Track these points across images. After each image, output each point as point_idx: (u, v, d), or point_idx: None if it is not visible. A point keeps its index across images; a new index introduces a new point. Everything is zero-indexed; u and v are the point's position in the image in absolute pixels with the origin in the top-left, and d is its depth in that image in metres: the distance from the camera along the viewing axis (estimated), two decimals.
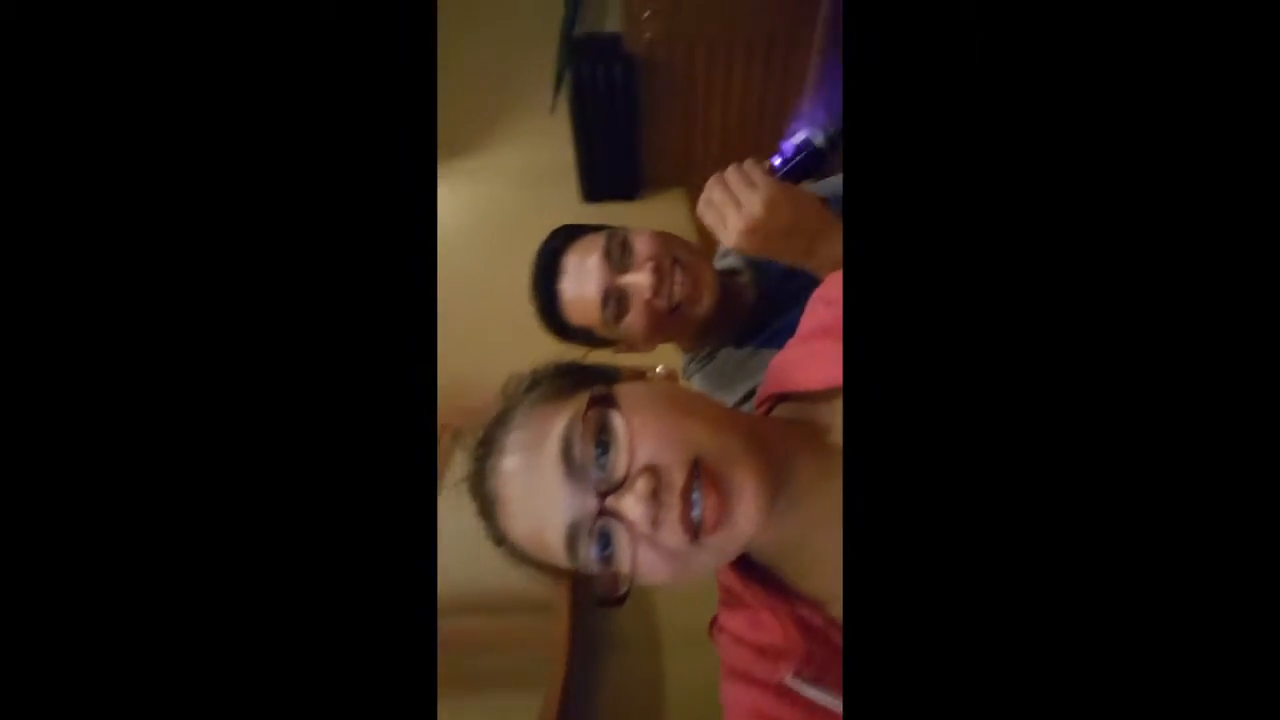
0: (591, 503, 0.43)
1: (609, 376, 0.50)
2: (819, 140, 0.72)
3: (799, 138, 0.73)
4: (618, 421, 0.43)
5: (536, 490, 0.44)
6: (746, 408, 0.82)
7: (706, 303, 0.81)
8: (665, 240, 0.80)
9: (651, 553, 0.42)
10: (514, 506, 0.46)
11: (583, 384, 0.47)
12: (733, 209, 0.69)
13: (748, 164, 0.70)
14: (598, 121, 1.82)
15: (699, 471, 0.41)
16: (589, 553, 0.43)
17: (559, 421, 0.45)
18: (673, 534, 0.41)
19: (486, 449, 0.48)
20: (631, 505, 0.41)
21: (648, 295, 0.78)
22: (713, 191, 0.70)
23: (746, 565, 0.50)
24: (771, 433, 0.48)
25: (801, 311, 0.60)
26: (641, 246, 0.79)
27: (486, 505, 0.48)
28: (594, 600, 0.44)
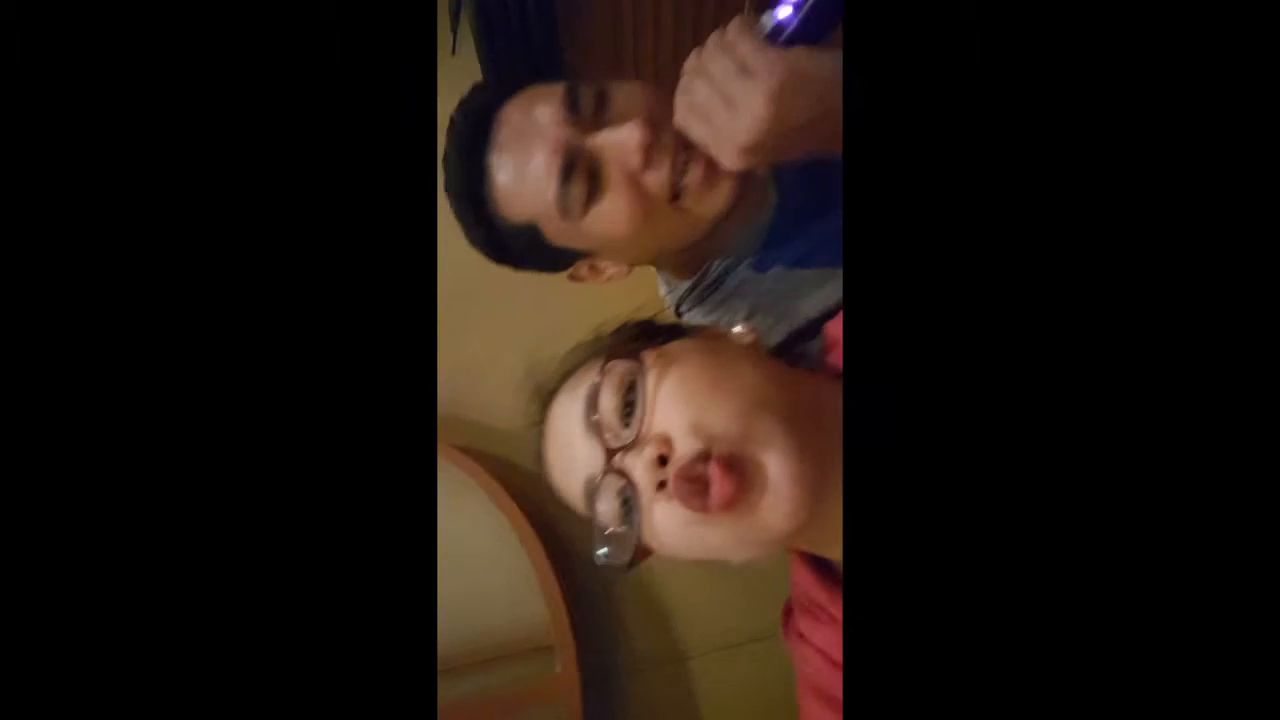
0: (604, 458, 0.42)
1: (675, 334, 0.48)
2: None
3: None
4: (644, 384, 0.42)
5: (567, 440, 0.45)
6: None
7: (721, 195, 0.53)
8: (661, 99, 0.51)
9: (663, 519, 0.42)
10: (551, 454, 0.48)
11: (646, 342, 0.46)
12: (724, 113, 0.45)
13: (733, 30, 0.45)
14: (508, 48, 1.49)
15: (711, 456, 0.39)
16: (603, 507, 0.43)
17: (593, 376, 0.44)
18: (679, 506, 0.40)
19: (544, 401, 0.49)
20: (637, 467, 0.41)
21: (636, 163, 0.50)
22: (693, 89, 0.47)
23: (826, 570, 0.49)
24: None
25: (836, 219, 0.49)
26: (625, 97, 0.52)
27: (540, 453, 0.49)
28: (601, 560, 0.44)
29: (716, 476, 0.38)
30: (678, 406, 0.41)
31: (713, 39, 0.46)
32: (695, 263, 0.61)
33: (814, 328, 0.55)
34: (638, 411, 0.42)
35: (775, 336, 0.57)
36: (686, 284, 0.63)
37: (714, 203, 0.53)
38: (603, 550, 0.44)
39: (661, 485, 0.40)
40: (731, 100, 0.45)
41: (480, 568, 1.17)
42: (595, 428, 0.43)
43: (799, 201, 0.59)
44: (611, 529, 0.43)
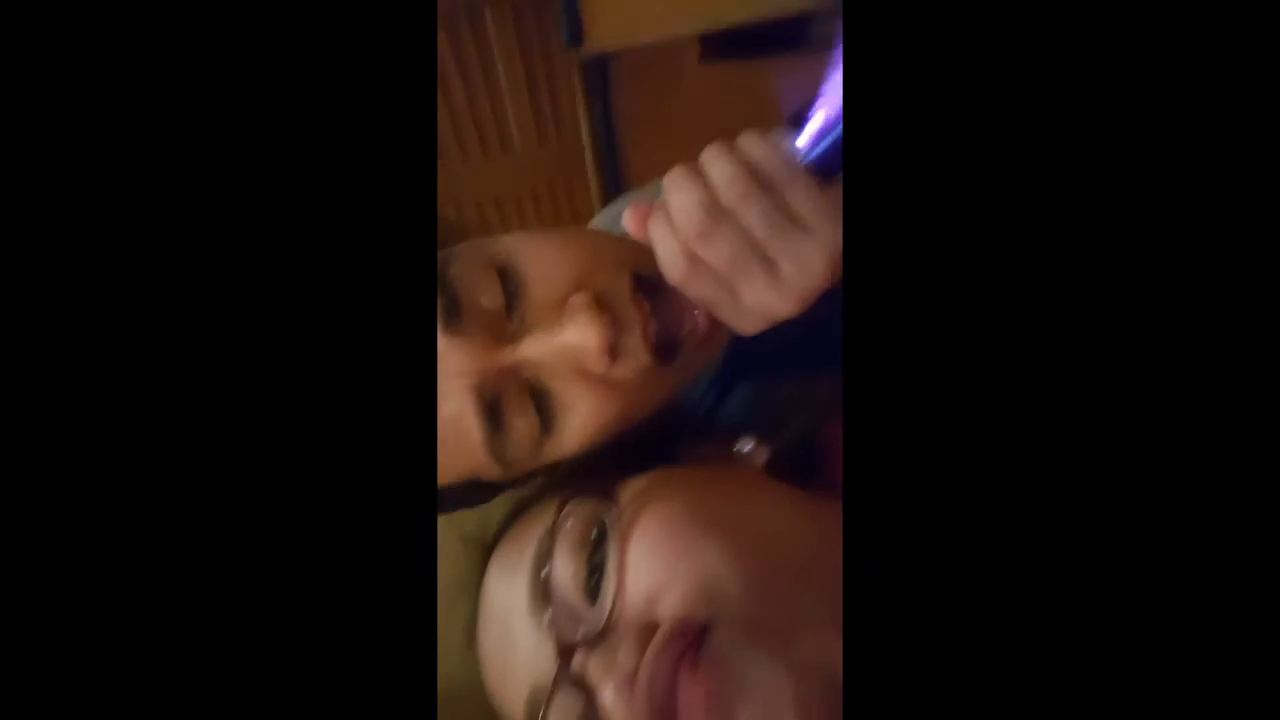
0: (552, 659, 0.28)
1: (660, 455, 0.36)
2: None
3: (828, 111, 0.30)
4: (617, 534, 0.29)
5: (503, 627, 0.32)
6: None
7: (720, 340, 0.40)
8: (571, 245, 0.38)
9: None
10: (485, 644, 0.33)
11: (620, 469, 0.34)
12: (762, 278, 0.31)
13: (763, 153, 0.31)
14: None
15: (706, 641, 0.26)
16: None
17: (544, 524, 0.32)
18: None
19: (478, 557, 0.36)
20: (608, 677, 0.27)
21: (601, 368, 0.35)
22: (714, 242, 0.31)
23: None
24: None
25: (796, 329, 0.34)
26: (536, 263, 0.37)
27: (473, 637, 0.35)
28: None
29: (698, 687, 0.26)
30: (666, 566, 0.28)
31: (727, 160, 0.31)
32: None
33: (803, 439, 0.42)
34: (607, 580, 0.29)
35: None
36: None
37: (711, 352, 0.40)
38: None
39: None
40: (773, 263, 0.31)
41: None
42: (545, 610, 0.30)
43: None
44: None
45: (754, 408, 0.45)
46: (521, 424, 0.35)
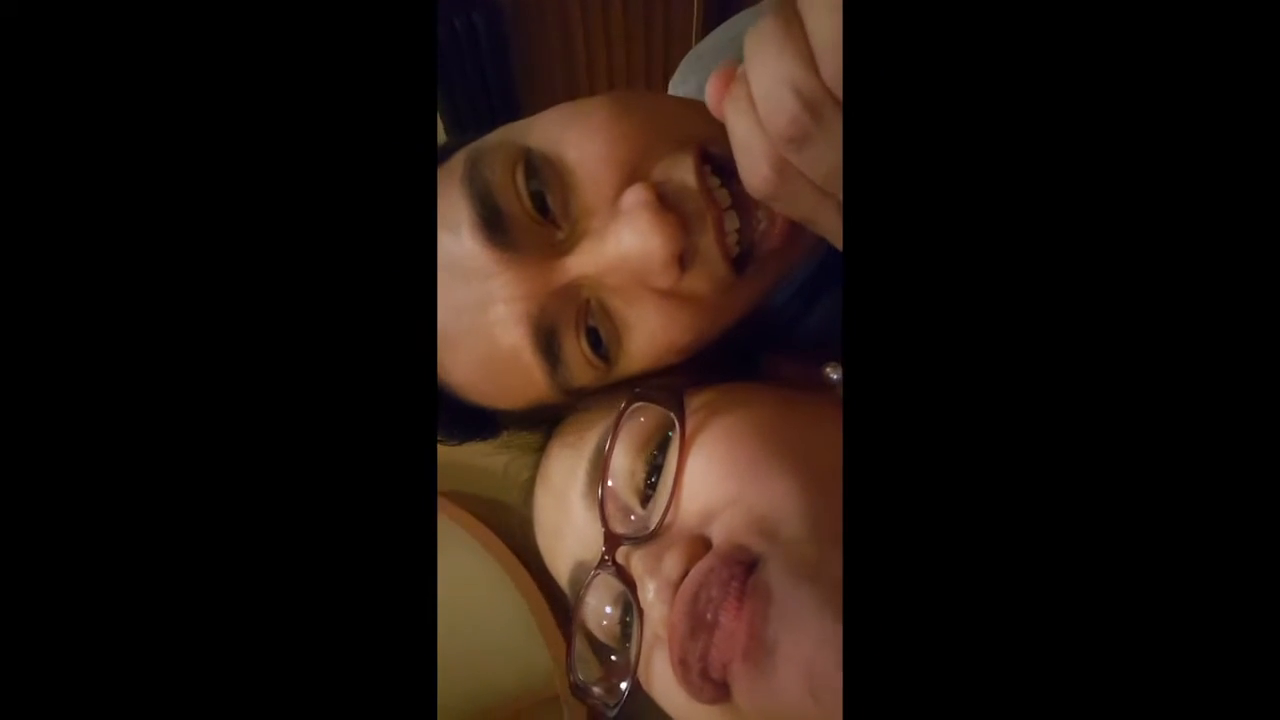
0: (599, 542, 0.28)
1: (742, 368, 0.33)
2: None
3: None
4: (678, 444, 0.27)
5: (561, 495, 0.31)
6: None
7: (802, 245, 0.33)
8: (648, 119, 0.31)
9: (664, 679, 0.27)
10: (541, 504, 0.33)
11: (696, 375, 0.32)
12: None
13: None
14: (462, 81, 1.48)
15: (748, 574, 0.25)
16: (593, 606, 0.29)
17: (608, 418, 0.30)
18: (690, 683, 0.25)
19: (544, 432, 0.34)
20: (651, 577, 0.26)
21: (668, 281, 0.29)
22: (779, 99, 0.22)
23: None
24: None
25: None
26: (584, 164, 0.30)
27: (530, 495, 0.34)
28: (577, 690, 0.30)
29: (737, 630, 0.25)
30: (726, 486, 0.26)
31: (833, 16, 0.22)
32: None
33: None
34: (663, 484, 0.28)
35: None
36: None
37: (793, 258, 0.34)
38: (579, 677, 0.30)
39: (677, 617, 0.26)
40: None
41: (477, 619, 1.12)
42: (599, 496, 0.28)
43: None
44: (602, 644, 0.30)
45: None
46: (581, 353, 0.30)
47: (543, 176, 0.29)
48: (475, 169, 0.29)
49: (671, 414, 0.28)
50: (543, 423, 0.36)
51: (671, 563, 0.26)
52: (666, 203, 0.28)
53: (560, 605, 1.07)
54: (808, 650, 0.24)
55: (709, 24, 1.26)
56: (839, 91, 0.21)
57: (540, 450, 0.35)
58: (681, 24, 1.40)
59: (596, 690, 0.30)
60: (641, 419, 0.29)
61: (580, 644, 0.30)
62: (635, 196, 0.28)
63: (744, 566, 0.25)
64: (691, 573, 0.26)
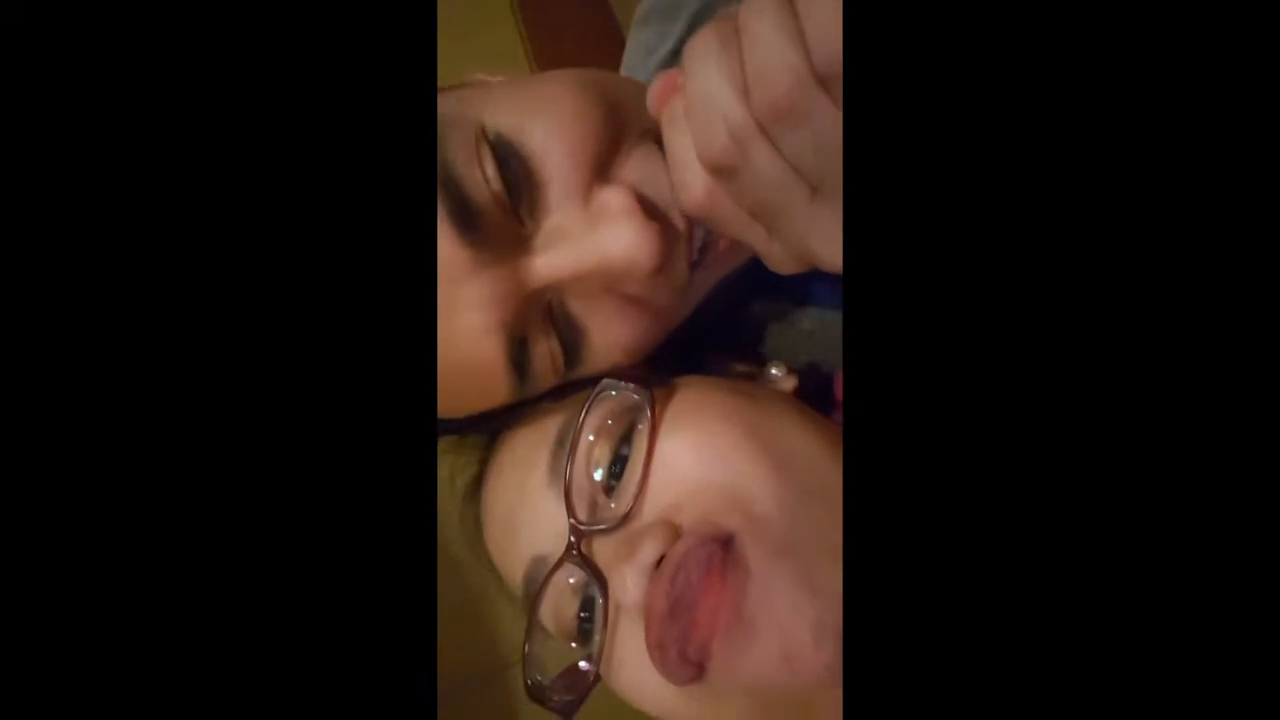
0: (564, 530, 0.27)
1: (689, 365, 0.33)
2: None
3: None
4: (645, 429, 0.27)
5: (518, 484, 0.30)
6: None
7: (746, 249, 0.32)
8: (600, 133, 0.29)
9: (632, 654, 0.27)
10: (492, 496, 0.32)
11: (659, 370, 0.32)
12: (803, 205, 0.23)
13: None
14: None
15: (728, 554, 0.25)
16: (549, 608, 0.29)
17: (569, 405, 0.30)
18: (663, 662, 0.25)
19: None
20: (618, 567, 0.26)
21: (645, 276, 0.28)
22: (755, 160, 0.22)
23: None
24: None
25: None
26: (554, 161, 0.28)
27: (479, 491, 0.33)
28: (533, 689, 0.29)
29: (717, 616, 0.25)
30: (697, 469, 0.27)
31: (774, 35, 0.21)
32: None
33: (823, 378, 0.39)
34: (631, 469, 0.28)
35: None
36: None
37: (732, 262, 0.32)
38: (537, 676, 0.29)
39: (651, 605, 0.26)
40: (821, 196, 0.23)
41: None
42: (561, 484, 0.28)
43: None
44: (556, 644, 0.30)
45: (775, 336, 0.39)
46: (544, 359, 0.29)
47: (511, 166, 0.27)
48: (443, 150, 0.26)
49: (643, 398, 0.28)
50: (489, 428, 0.35)
51: (649, 546, 0.26)
52: (647, 209, 0.27)
53: None
54: (782, 619, 0.25)
55: None
56: (773, 119, 0.20)
57: (485, 449, 0.35)
58: None
59: (555, 687, 0.29)
60: (610, 405, 0.29)
61: (537, 642, 0.29)
62: (618, 201, 0.27)
63: (720, 544, 0.26)
64: (669, 555, 0.26)
